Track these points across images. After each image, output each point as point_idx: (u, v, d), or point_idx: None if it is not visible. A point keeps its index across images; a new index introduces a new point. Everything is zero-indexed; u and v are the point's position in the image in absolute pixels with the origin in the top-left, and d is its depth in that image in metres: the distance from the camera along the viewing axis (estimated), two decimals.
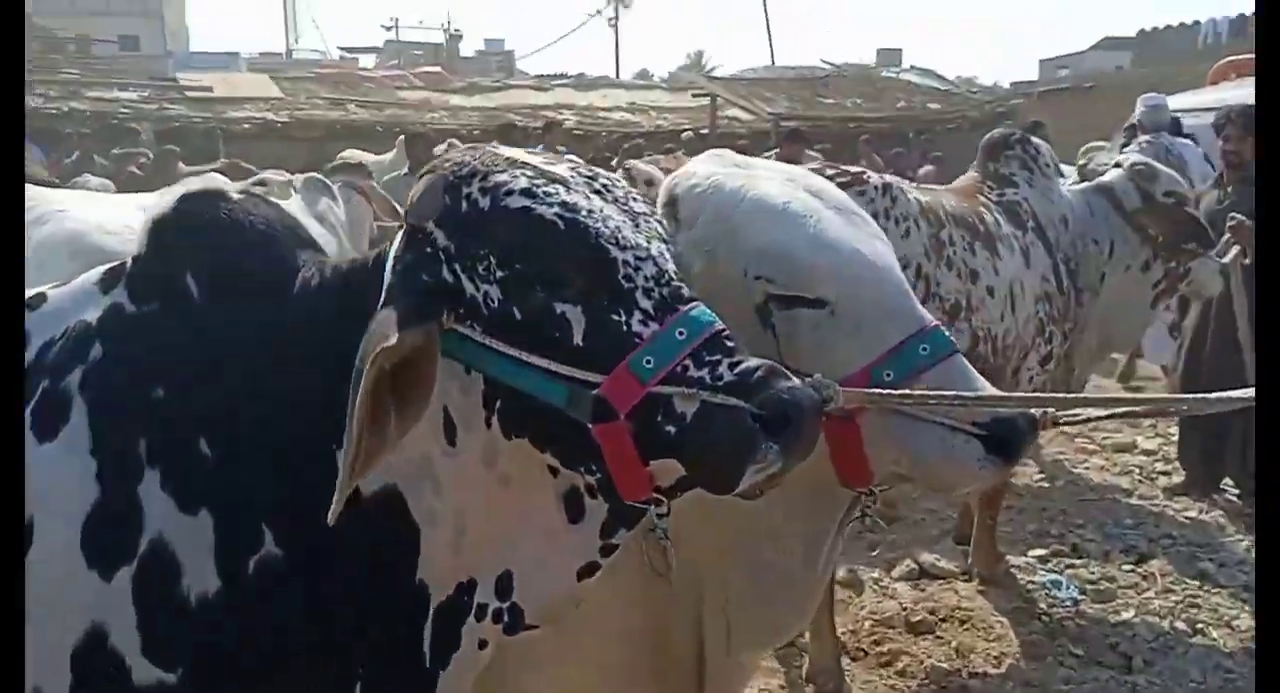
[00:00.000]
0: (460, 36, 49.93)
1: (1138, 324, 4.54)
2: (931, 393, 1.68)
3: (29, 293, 1.65)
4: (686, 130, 16.65)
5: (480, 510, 1.55)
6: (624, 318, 1.42)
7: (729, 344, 1.42)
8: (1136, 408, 2.31)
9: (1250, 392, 1.75)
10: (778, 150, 10.15)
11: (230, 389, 1.48)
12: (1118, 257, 4.21)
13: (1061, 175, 4.36)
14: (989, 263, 3.80)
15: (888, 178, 3.68)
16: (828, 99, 20.32)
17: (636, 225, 1.51)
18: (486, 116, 17.72)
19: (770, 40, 53.00)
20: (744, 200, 1.86)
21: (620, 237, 1.46)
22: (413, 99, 20.05)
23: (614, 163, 6.92)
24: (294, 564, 1.48)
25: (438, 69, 29.97)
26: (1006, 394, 1.91)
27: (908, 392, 1.69)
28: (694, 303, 1.45)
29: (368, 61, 42.06)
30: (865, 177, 3.59)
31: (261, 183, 4.92)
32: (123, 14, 37.62)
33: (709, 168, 1.96)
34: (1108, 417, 2.11)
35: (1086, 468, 6.20)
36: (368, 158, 10.49)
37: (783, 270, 1.79)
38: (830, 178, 2.13)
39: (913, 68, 26.53)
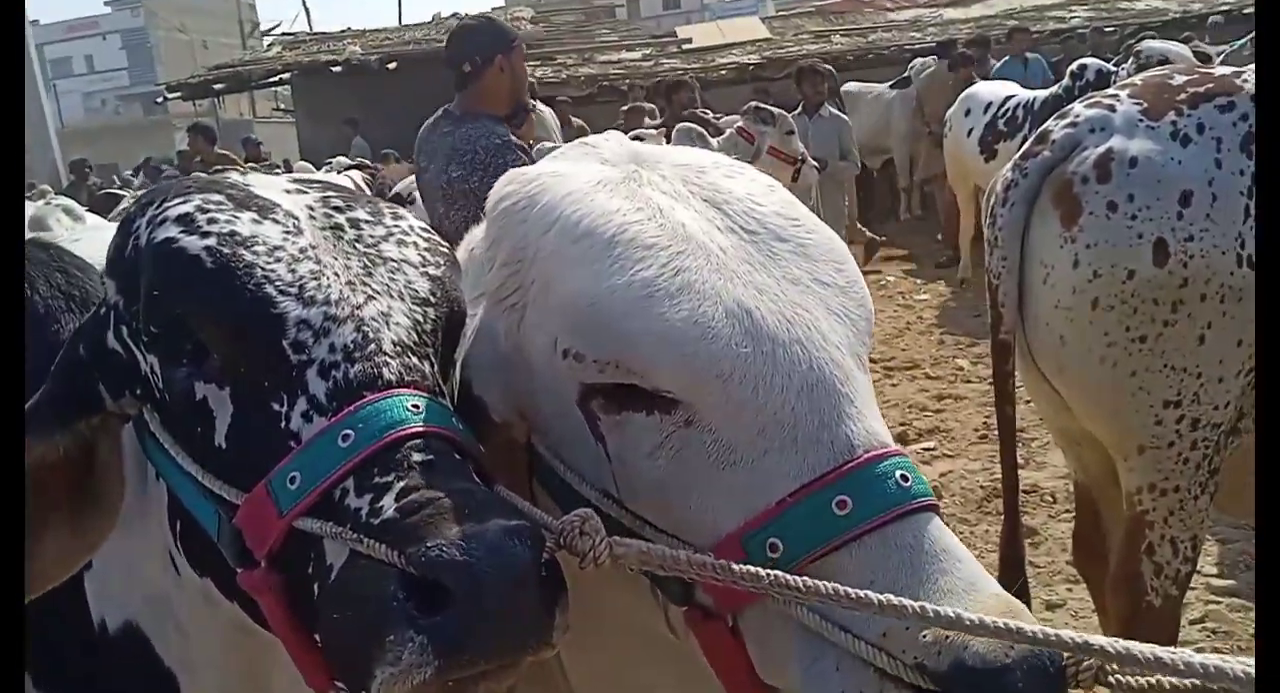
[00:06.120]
0: None
1: None
2: (833, 588, 0.93)
3: None
4: None
5: (233, 660, 1.21)
6: (283, 407, 1.00)
7: (418, 457, 0.94)
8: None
9: None
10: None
11: None
12: None
13: None
14: None
15: None
16: None
17: (369, 273, 1.08)
18: (981, 27, 16.13)
19: None
20: (557, 222, 1.15)
21: (307, 285, 1.04)
22: (900, 19, 19.01)
23: None
24: None
25: None
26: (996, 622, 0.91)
27: (785, 578, 0.94)
28: (392, 391, 0.99)
29: None
30: None
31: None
32: None
33: (546, 167, 1.28)
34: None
35: None
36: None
37: (592, 340, 1.08)
38: None
39: None
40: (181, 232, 1.07)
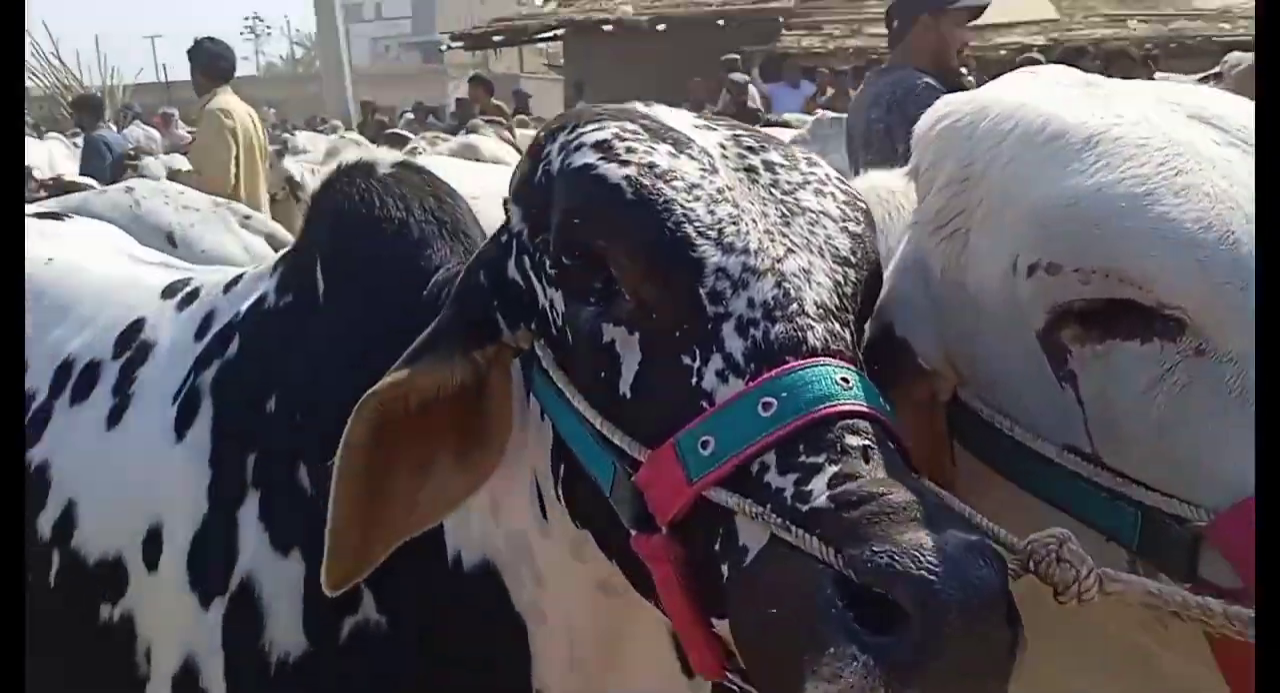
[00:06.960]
0: None
1: None
2: None
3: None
4: None
5: (587, 619, 1.15)
6: (695, 362, 0.91)
7: (852, 441, 0.82)
8: None
9: None
10: None
11: (337, 412, 1.11)
12: None
13: None
14: None
15: None
16: None
17: (787, 224, 0.97)
18: None
19: None
20: (1014, 130, 1.03)
21: (726, 230, 0.94)
22: (1208, 8, 17.36)
23: None
24: (397, 635, 1.22)
25: None
26: None
27: None
28: (819, 360, 0.87)
29: None
30: None
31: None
32: None
33: (988, 91, 1.13)
34: None
35: None
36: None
37: (1074, 246, 0.93)
38: None
39: None
40: (600, 158, 1.01)
